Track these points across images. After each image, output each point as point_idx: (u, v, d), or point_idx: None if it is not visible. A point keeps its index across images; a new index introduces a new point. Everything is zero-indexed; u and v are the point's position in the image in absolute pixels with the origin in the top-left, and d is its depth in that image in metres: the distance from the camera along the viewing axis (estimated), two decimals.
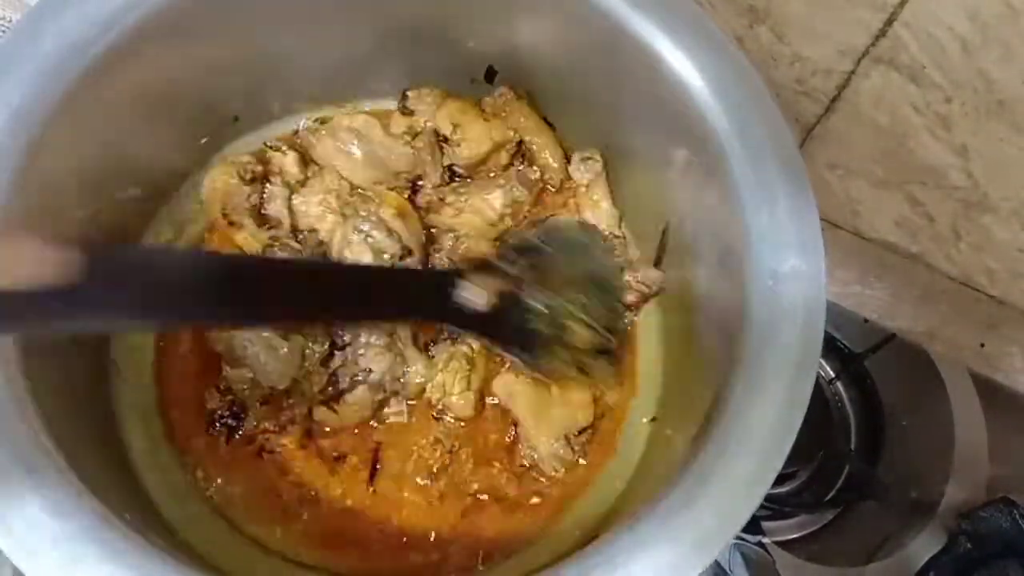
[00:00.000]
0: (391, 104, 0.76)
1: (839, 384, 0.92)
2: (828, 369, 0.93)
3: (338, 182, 0.72)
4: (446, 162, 0.74)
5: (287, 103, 0.75)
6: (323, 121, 0.75)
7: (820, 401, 0.88)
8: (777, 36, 0.76)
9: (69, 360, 0.58)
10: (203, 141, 0.71)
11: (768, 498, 0.84)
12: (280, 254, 0.66)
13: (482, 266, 0.63)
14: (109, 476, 0.57)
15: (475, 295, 0.59)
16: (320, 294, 0.53)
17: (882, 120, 0.77)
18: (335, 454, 0.66)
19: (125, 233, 0.67)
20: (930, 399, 0.87)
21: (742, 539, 0.79)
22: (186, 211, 0.71)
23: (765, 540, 0.79)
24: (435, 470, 0.66)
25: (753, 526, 0.81)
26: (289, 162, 0.71)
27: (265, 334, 0.61)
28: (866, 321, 0.88)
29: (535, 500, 0.66)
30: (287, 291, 0.50)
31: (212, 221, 0.70)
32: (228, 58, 0.66)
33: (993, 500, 0.78)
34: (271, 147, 0.72)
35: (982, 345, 0.89)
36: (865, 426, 0.90)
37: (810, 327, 0.55)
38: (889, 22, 0.69)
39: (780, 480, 0.87)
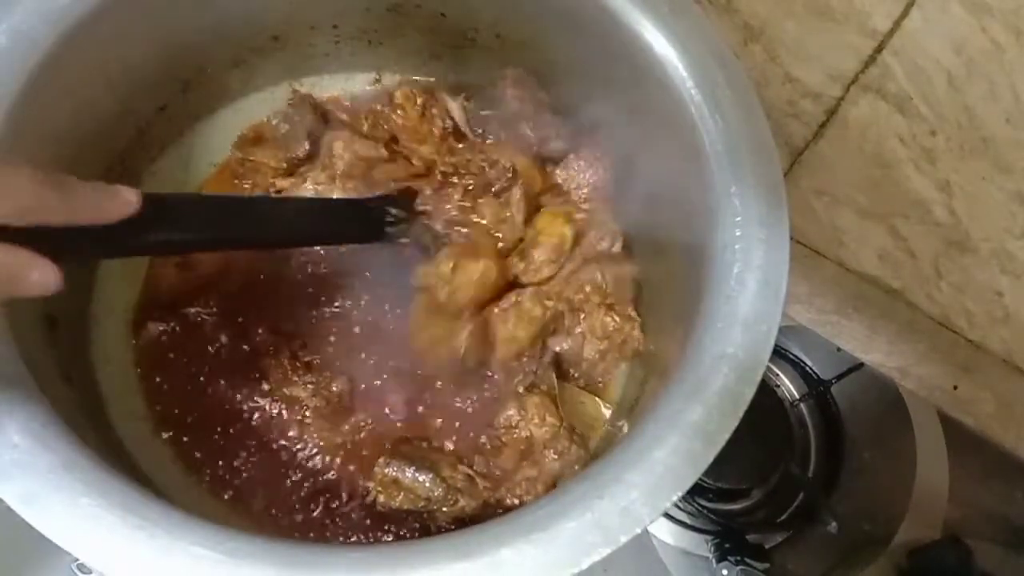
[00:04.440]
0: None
1: (803, 408, 0.92)
2: (793, 391, 0.93)
3: None
4: None
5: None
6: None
7: (782, 422, 0.88)
8: (770, 55, 0.76)
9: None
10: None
11: (719, 514, 0.85)
12: None
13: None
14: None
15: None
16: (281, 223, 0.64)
17: (868, 149, 0.77)
18: None
19: None
20: (895, 435, 0.86)
21: (750, 565, 0.79)
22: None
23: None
24: None
25: (760, 553, 0.82)
26: None
27: None
28: (838, 350, 0.88)
29: None
30: (260, 222, 0.62)
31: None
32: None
33: (942, 539, 0.77)
34: None
35: (955, 387, 0.89)
36: (826, 453, 0.90)
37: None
38: (879, 49, 0.69)
39: (733, 497, 0.88)
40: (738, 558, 0.79)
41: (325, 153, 0.76)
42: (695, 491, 0.85)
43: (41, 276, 0.41)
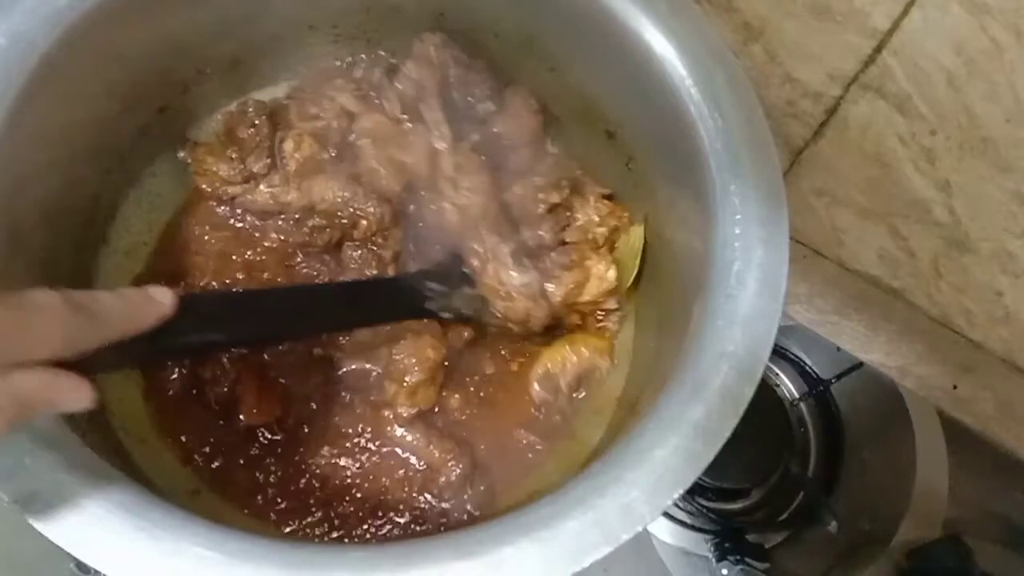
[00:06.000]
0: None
1: (803, 407, 0.92)
2: (793, 390, 0.93)
3: None
4: None
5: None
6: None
7: (782, 422, 0.88)
8: (770, 55, 0.76)
9: None
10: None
11: (719, 513, 0.85)
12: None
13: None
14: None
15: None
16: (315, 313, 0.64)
17: (868, 149, 0.77)
18: None
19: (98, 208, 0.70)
20: (895, 434, 0.86)
21: (750, 565, 0.79)
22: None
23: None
24: None
25: (760, 553, 0.82)
26: None
27: None
28: (838, 350, 0.88)
29: None
30: (301, 312, 0.62)
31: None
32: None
33: (942, 539, 0.77)
34: None
35: (955, 387, 0.89)
36: (825, 452, 0.90)
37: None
38: (878, 49, 0.69)
39: (733, 496, 0.88)
40: (738, 558, 0.79)
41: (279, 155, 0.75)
42: (695, 490, 0.86)
43: (77, 395, 0.41)
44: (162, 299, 0.45)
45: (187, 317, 0.46)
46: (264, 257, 0.74)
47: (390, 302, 0.69)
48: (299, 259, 0.75)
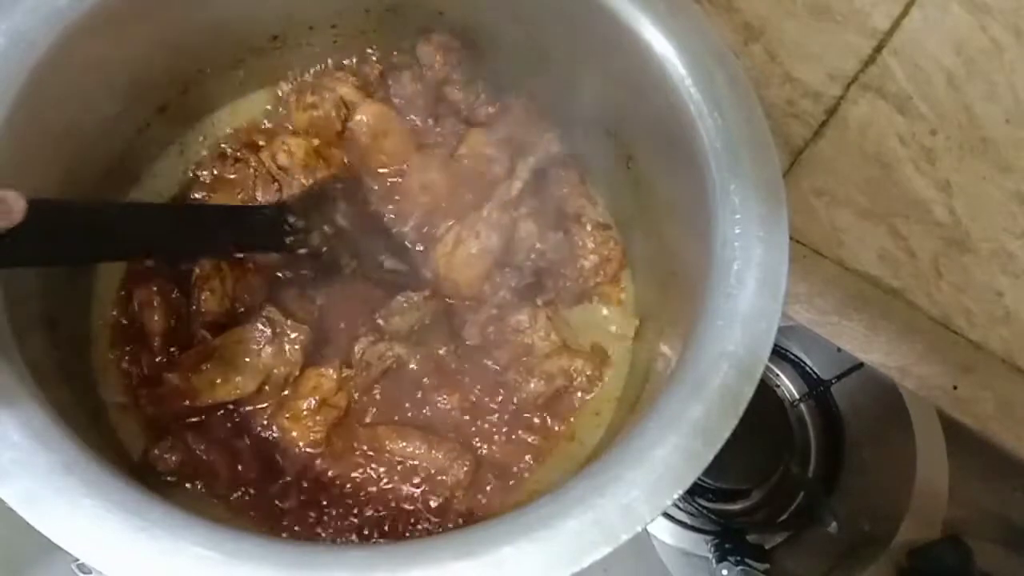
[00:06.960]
0: None
1: (803, 407, 0.92)
2: (793, 391, 0.93)
3: None
4: None
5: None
6: None
7: (782, 422, 0.88)
8: (770, 55, 0.76)
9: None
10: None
11: (719, 514, 0.85)
12: None
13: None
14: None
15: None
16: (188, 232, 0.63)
17: (868, 149, 0.77)
18: None
19: None
20: (895, 435, 0.86)
21: (750, 565, 0.79)
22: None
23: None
24: None
25: (760, 553, 0.82)
26: None
27: None
28: (838, 350, 0.88)
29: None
30: (161, 231, 0.61)
31: None
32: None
33: (942, 539, 0.77)
34: None
35: (955, 387, 0.89)
36: (826, 453, 0.90)
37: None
38: (878, 49, 0.69)
39: (733, 497, 0.88)
40: (738, 558, 0.79)
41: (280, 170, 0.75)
42: (695, 491, 0.86)
43: None
44: (12, 204, 0.41)
45: (36, 226, 0.43)
46: None
47: (252, 230, 0.68)
48: None
